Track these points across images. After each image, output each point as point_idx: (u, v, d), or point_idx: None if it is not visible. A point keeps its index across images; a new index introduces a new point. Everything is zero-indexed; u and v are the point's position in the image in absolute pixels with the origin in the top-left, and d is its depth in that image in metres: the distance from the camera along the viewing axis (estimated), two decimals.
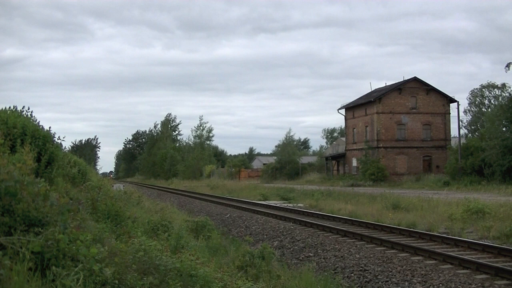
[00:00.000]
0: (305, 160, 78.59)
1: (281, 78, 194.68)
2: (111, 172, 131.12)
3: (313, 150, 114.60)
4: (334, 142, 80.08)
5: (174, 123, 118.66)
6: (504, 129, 41.68)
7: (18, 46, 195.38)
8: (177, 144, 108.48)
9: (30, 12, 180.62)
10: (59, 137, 11.44)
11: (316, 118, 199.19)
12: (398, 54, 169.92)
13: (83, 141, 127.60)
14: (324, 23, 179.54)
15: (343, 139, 68.13)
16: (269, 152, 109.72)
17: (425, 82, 56.32)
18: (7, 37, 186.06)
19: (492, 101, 63.85)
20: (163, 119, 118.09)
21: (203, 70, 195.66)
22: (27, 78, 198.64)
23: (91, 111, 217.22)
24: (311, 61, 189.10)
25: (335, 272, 12.42)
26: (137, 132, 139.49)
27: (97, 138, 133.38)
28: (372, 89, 63.09)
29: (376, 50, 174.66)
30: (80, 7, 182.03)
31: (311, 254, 14.76)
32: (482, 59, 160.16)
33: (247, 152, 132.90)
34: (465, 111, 67.15)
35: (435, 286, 10.05)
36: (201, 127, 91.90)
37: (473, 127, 64.31)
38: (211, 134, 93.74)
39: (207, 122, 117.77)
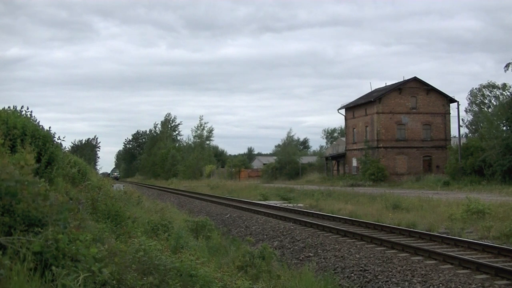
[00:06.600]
0: (305, 160, 78.56)
1: (284, 77, 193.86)
2: (113, 170, 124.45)
3: (313, 150, 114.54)
4: (334, 142, 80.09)
5: (174, 123, 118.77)
6: (504, 129, 41.69)
7: (22, 45, 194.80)
8: (177, 144, 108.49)
9: (35, 11, 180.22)
10: (59, 137, 11.46)
11: (317, 118, 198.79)
12: (403, 53, 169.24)
13: (83, 141, 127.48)
14: (331, 22, 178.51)
15: (343, 139, 68.11)
16: (269, 152, 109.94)
17: (425, 82, 56.35)
18: (11, 36, 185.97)
19: (492, 100, 63.87)
20: (163, 119, 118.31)
21: (206, 70, 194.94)
22: (30, 77, 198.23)
23: (92, 111, 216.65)
24: (315, 61, 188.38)
25: (335, 272, 12.42)
26: (137, 132, 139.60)
27: (97, 138, 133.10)
28: (372, 89, 63.15)
29: (381, 50, 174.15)
30: (85, 6, 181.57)
31: (311, 254, 14.76)
32: (487, 58, 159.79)
33: (246, 152, 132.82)
34: (465, 111, 67.30)
35: (435, 286, 10.05)
36: (201, 127, 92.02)
37: (473, 127, 64.32)
38: (211, 134, 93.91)
39: (207, 122, 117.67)
